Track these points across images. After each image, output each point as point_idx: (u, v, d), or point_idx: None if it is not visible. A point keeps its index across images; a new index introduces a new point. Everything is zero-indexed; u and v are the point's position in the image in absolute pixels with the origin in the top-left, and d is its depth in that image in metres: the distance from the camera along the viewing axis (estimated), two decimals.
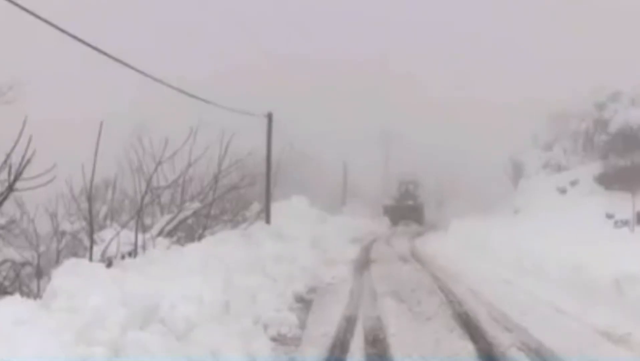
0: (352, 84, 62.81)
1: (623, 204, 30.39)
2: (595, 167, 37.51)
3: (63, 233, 14.28)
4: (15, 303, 6.21)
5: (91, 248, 10.51)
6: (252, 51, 67.09)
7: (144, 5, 66.09)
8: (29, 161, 8.39)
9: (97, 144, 9.84)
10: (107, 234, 11.77)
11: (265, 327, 9.46)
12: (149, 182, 14.61)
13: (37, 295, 9.22)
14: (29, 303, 6.58)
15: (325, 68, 62.42)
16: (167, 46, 63.56)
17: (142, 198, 13.54)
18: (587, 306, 10.88)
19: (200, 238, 15.68)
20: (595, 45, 53.62)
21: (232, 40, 70.28)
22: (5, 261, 11.09)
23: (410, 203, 49.88)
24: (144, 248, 11.82)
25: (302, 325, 10.09)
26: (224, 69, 57.38)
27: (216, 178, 16.97)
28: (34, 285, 11.06)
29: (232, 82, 51.23)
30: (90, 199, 11.14)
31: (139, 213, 12.84)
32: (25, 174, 8.62)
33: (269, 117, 23.60)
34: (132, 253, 11.39)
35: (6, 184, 8.79)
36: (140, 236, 11.98)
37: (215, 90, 25.45)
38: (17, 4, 8.22)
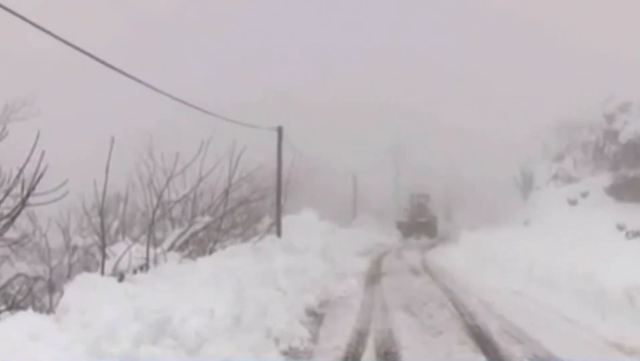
0: (362, 98, 62.85)
1: (634, 215, 30.23)
2: (605, 178, 37.30)
3: (75, 248, 14.33)
4: (28, 318, 6.26)
5: (103, 262, 10.54)
6: (260, 64, 67.36)
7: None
8: (41, 176, 8.45)
9: (109, 158, 9.89)
10: (118, 248, 11.79)
11: (277, 341, 9.45)
12: (160, 196, 14.66)
13: (49, 310, 9.27)
14: (42, 317, 6.64)
15: (336, 84, 62.69)
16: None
17: (154, 212, 13.56)
18: (599, 317, 10.88)
19: (211, 251, 15.68)
20: (604, 55, 53.50)
21: (241, 50, 70.37)
22: (18, 275, 11.12)
23: (423, 219, 49.95)
24: (155, 262, 11.84)
25: (314, 339, 10.10)
26: (234, 80, 57.59)
27: (227, 192, 16.99)
28: (46, 300, 11.09)
29: (241, 95, 51.47)
30: (102, 213, 11.19)
31: (150, 227, 12.88)
32: (37, 189, 8.69)
33: (279, 130, 23.65)
34: (144, 267, 11.40)
35: (19, 198, 8.86)
36: (151, 251, 12.00)
37: (222, 102, 25.69)
38: (41, 27, 8.32)
